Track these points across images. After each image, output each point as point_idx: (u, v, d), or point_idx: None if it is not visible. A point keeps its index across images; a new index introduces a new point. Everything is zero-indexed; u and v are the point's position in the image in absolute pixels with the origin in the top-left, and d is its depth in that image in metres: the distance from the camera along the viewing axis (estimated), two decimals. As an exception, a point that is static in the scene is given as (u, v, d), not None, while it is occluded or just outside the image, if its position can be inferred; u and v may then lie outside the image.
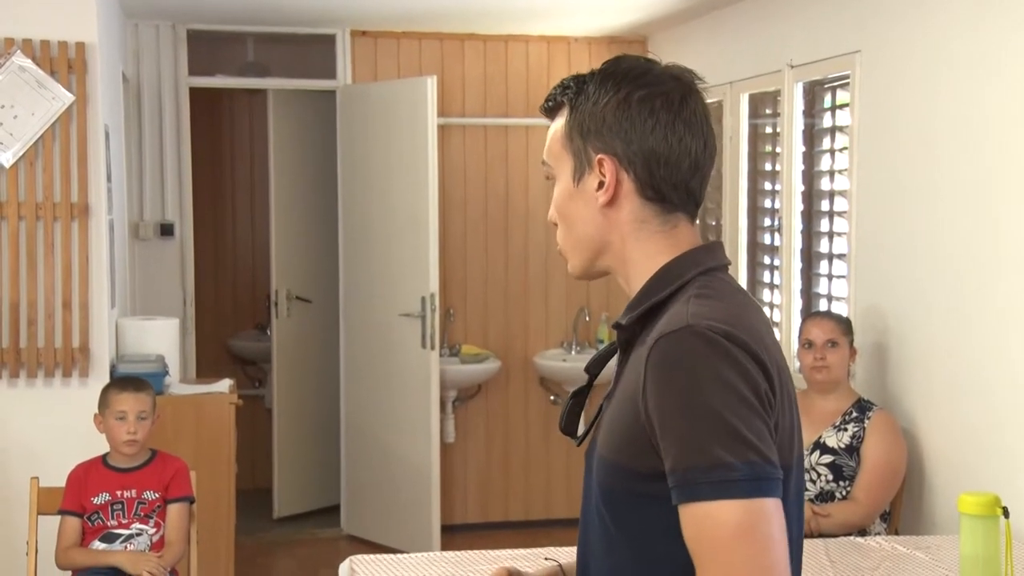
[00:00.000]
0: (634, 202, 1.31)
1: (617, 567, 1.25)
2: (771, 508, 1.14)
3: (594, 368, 1.45)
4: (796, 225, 4.13)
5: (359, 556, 2.73)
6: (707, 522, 1.14)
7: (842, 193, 3.85)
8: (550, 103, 1.39)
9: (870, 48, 3.65)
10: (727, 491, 1.13)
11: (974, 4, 3.14)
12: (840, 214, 3.88)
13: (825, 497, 3.29)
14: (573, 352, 5.50)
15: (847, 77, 3.76)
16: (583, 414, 1.47)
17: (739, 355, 1.18)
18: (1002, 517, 2.29)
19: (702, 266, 1.30)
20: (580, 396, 1.45)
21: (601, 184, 1.31)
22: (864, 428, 3.30)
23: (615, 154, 1.30)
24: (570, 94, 1.35)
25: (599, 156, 1.31)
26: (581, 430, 1.43)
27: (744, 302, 1.29)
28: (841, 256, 3.87)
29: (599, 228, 1.33)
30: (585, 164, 1.33)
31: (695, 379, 1.16)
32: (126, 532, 3.12)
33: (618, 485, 1.24)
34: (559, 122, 1.37)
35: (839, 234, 3.90)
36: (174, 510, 3.14)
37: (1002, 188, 3.02)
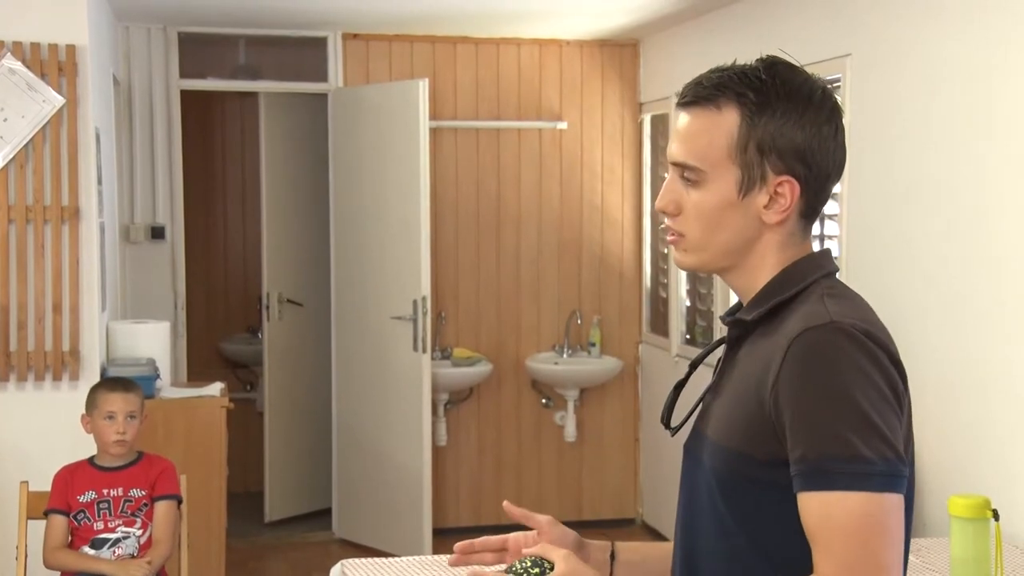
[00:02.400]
0: (794, 220, 1.33)
1: (732, 551, 1.29)
2: (897, 504, 1.19)
3: (698, 363, 1.50)
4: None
5: (351, 560, 2.72)
6: (837, 510, 1.17)
7: (833, 196, 3.85)
8: (707, 94, 1.31)
9: (861, 51, 3.66)
10: (863, 483, 1.17)
11: (965, 8, 3.15)
12: (831, 217, 3.89)
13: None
14: (565, 355, 5.50)
15: (838, 80, 3.77)
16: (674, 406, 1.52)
17: (880, 354, 1.23)
18: (992, 519, 2.30)
19: (823, 269, 1.34)
20: (680, 389, 1.49)
21: (771, 200, 1.31)
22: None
23: (797, 177, 1.31)
24: (748, 103, 1.30)
25: (782, 178, 1.30)
26: (676, 422, 1.47)
27: (867, 305, 1.33)
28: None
29: (750, 239, 1.33)
30: (757, 179, 1.31)
31: (839, 372, 1.20)
32: (113, 536, 3.10)
33: (735, 471, 1.28)
34: (715, 121, 1.31)
35: (830, 237, 3.91)
36: (161, 508, 3.12)
37: (993, 190, 3.03)
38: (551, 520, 1.50)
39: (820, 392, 1.20)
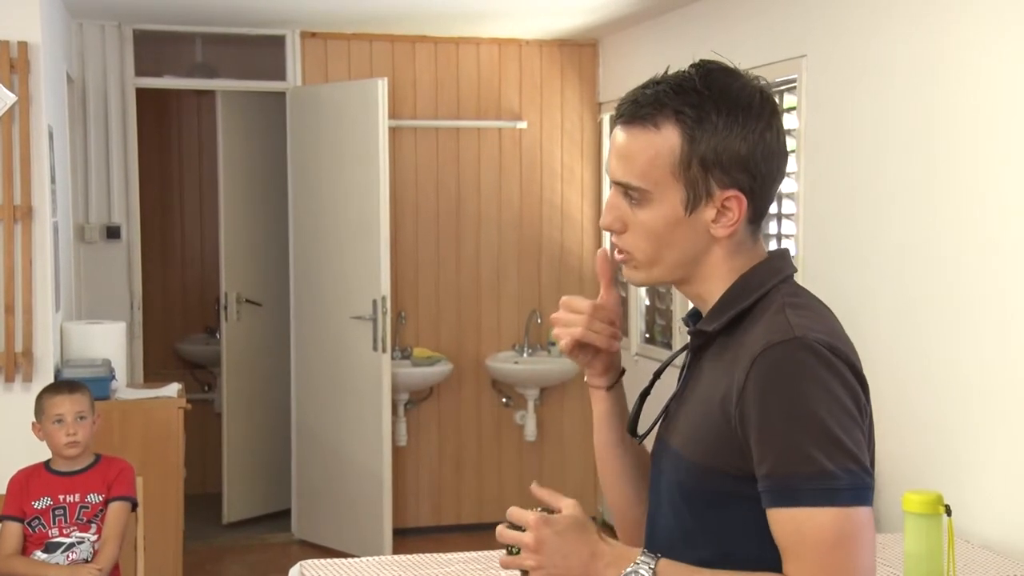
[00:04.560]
0: (742, 228, 1.32)
1: (699, 562, 1.28)
2: (866, 517, 1.20)
3: (661, 372, 1.50)
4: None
5: (310, 561, 2.71)
6: (807, 526, 1.19)
7: (790, 196, 3.89)
8: (644, 113, 1.29)
9: (816, 52, 3.70)
10: (830, 499, 1.18)
11: (919, 9, 3.19)
12: (788, 216, 3.93)
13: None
14: (525, 355, 5.51)
15: (794, 81, 3.81)
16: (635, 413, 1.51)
17: (843, 368, 1.23)
18: (945, 515, 2.33)
19: (781, 274, 1.34)
20: (645, 398, 1.49)
21: (718, 215, 1.30)
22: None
23: (743, 189, 1.29)
24: (687, 119, 1.27)
25: (729, 192, 1.29)
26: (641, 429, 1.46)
27: (828, 310, 1.32)
28: (789, 258, 3.92)
29: (700, 253, 1.32)
30: (703, 195, 1.29)
31: (803, 389, 1.20)
32: (67, 541, 3.06)
33: (704, 486, 1.28)
34: (655, 141, 1.29)
35: (787, 236, 3.94)
36: (113, 508, 3.08)
37: (946, 189, 3.08)
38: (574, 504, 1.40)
39: (785, 409, 1.20)
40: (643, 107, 1.29)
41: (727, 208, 1.29)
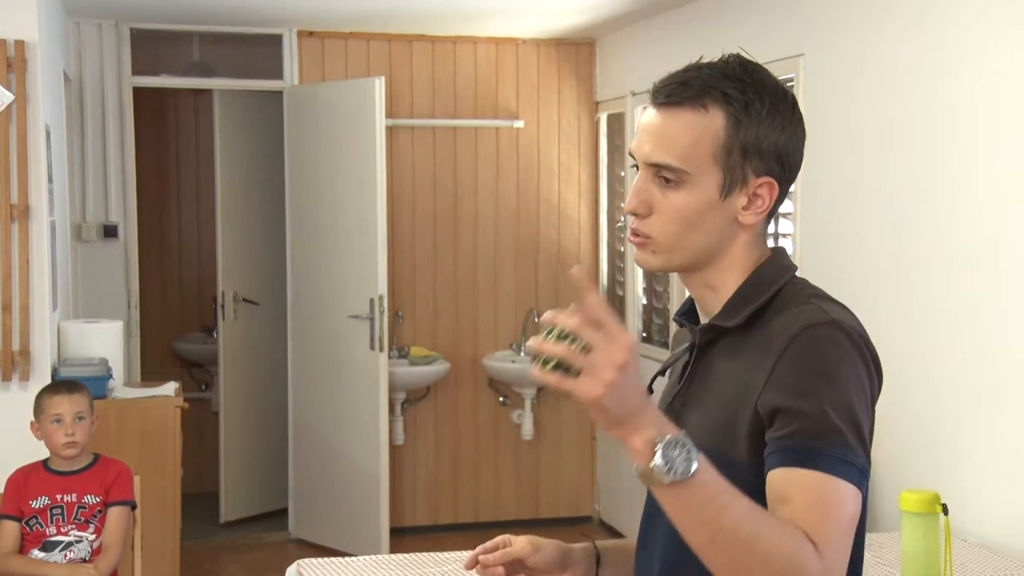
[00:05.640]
0: (763, 219, 1.35)
1: None
2: (859, 501, 1.23)
3: (664, 372, 1.51)
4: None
5: (307, 560, 2.71)
6: (826, 493, 1.18)
7: (788, 194, 3.90)
8: (693, 94, 1.29)
9: (814, 51, 3.70)
10: (847, 473, 1.20)
11: (917, 8, 3.20)
12: (785, 215, 3.93)
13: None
14: (522, 353, 5.51)
15: (792, 80, 3.81)
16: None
17: (871, 362, 1.27)
18: (942, 514, 2.34)
19: (790, 271, 1.36)
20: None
21: (749, 202, 1.31)
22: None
23: (776, 178, 1.32)
24: (736, 105, 1.28)
25: (764, 179, 1.31)
26: None
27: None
28: (786, 257, 3.92)
29: (724, 241, 1.33)
30: (738, 181, 1.30)
31: (840, 368, 1.23)
32: (65, 539, 3.06)
33: (726, 476, 1.25)
34: (701, 122, 1.29)
35: (784, 235, 3.95)
36: (113, 513, 3.09)
37: (943, 188, 3.08)
38: (529, 546, 1.45)
39: (823, 380, 1.21)
40: (690, 88, 1.29)
41: (758, 195, 1.32)
